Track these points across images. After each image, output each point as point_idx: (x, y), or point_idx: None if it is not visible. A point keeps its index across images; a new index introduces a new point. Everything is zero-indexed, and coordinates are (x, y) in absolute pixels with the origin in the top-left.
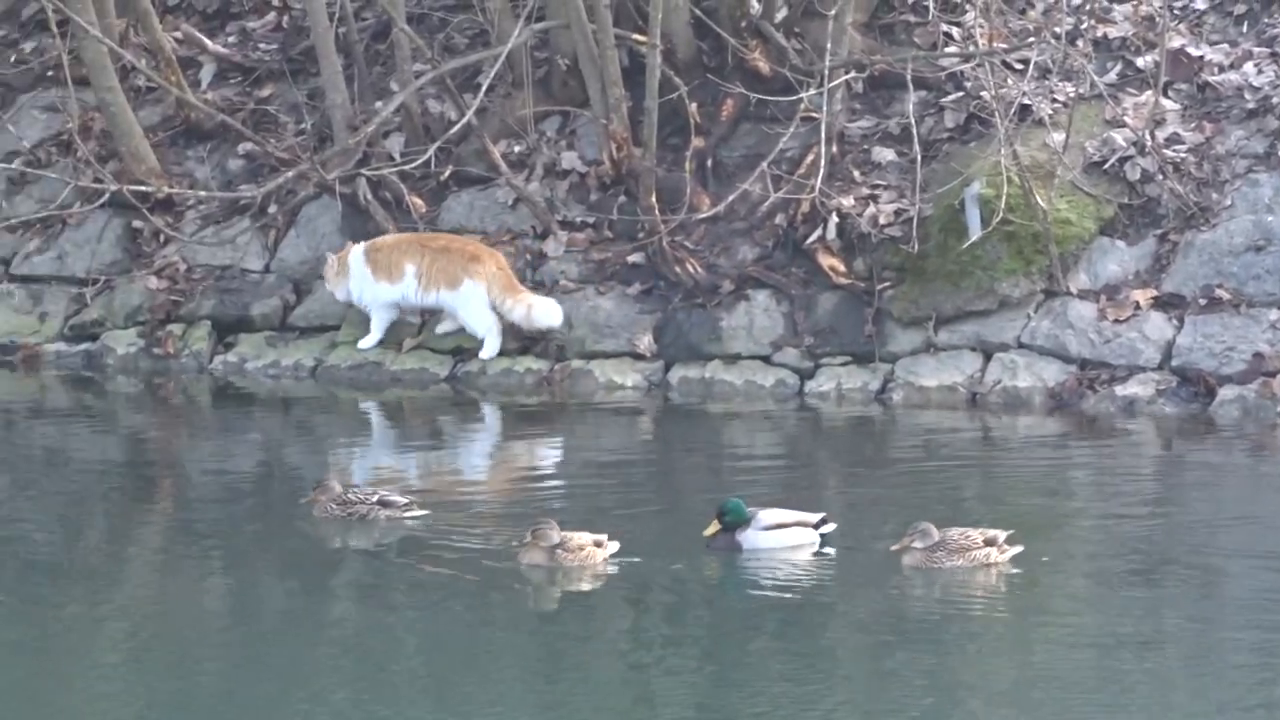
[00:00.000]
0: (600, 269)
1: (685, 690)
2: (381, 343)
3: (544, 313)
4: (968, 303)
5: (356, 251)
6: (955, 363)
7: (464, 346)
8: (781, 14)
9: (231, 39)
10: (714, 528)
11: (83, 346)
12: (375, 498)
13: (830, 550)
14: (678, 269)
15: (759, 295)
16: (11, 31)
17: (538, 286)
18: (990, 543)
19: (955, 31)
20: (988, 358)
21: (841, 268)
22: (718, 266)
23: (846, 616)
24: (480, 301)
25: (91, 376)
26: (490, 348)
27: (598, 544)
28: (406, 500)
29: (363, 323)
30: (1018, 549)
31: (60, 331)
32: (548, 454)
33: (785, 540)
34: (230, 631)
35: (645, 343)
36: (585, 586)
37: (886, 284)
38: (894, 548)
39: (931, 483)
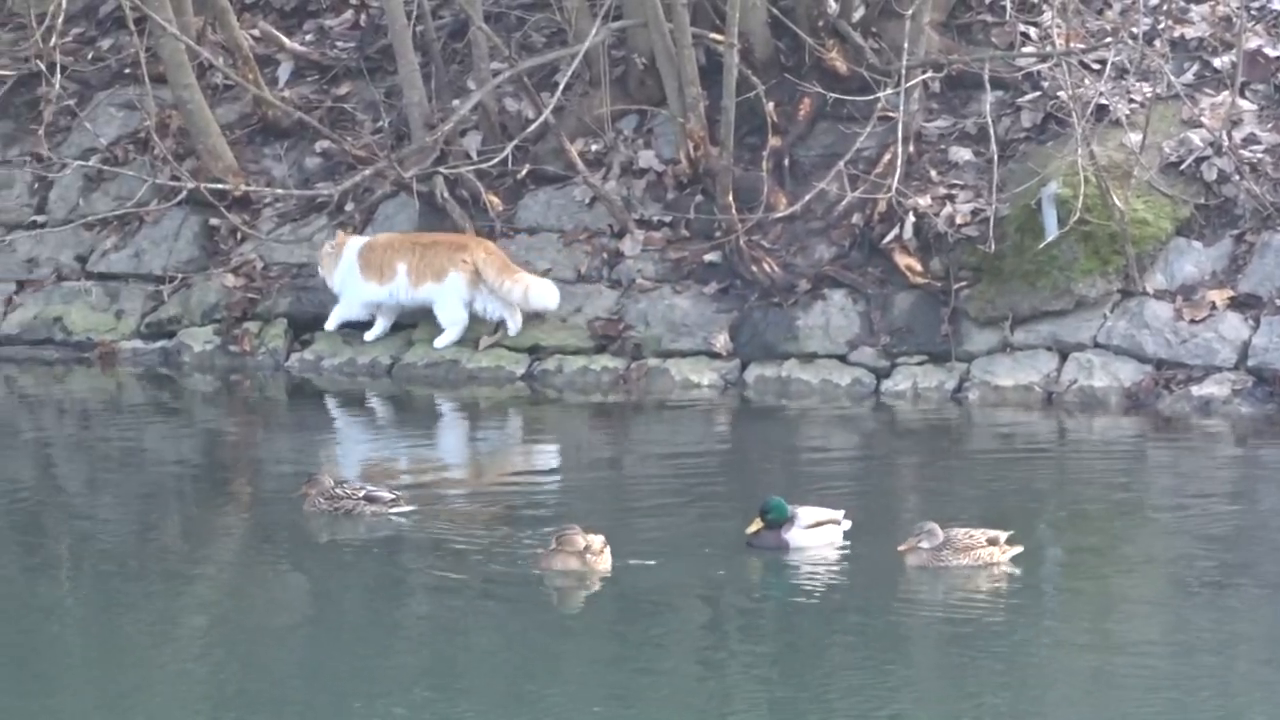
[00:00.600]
0: (677, 268)
1: (757, 688)
2: (341, 327)
3: (540, 293)
4: (1044, 302)
5: (352, 246)
6: (1031, 362)
7: (541, 344)
8: (859, 13)
9: (309, 37)
10: (756, 525)
11: (159, 344)
12: (362, 493)
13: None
14: (754, 268)
15: (835, 294)
16: (89, 29)
17: (614, 285)
18: (993, 542)
19: (1033, 31)
20: (1064, 357)
21: (918, 267)
22: (794, 265)
23: (913, 616)
24: (458, 294)
25: (167, 374)
26: (446, 339)
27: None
28: (393, 496)
29: (437, 322)
30: (1018, 549)
31: (137, 329)
32: (620, 452)
33: (827, 538)
34: (304, 629)
35: (721, 341)
36: (642, 585)
37: (963, 283)
38: (900, 548)
39: (1006, 482)
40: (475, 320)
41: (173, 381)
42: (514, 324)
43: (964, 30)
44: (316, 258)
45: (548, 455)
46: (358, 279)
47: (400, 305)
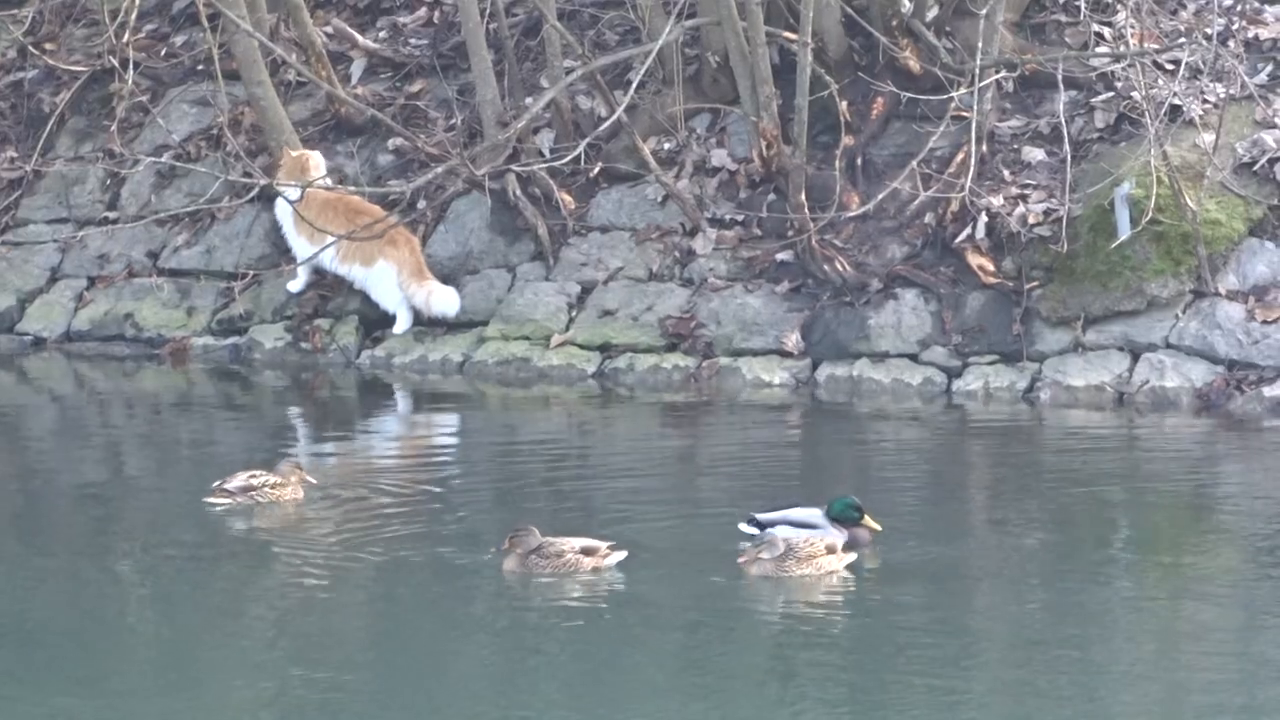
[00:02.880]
0: (749, 266)
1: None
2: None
3: (442, 300)
4: (1116, 303)
5: (317, 171)
6: (1103, 362)
7: (612, 343)
8: (933, 12)
9: (382, 34)
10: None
11: (230, 340)
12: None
13: None
14: (826, 267)
15: (907, 294)
16: (162, 25)
17: (686, 284)
18: (831, 550)
19: (1106, 31)
20: (1135, 358)
21: (990, 267)
22: (866, 265)
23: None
24: (390, 281)
25: (238, 370)
26: (402, 323)
27: (587, 551)
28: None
29: (507, 320)
30: (851, 557)
31: (208, 325)
32: (691, 451)
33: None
34: (369, 629)
35: (793, 340)
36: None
37: (1035, 283)
38: (740, 560)
39: (1079, 483)
40: (551, 319)
41: (243, 378)
42: (403, 323)
43: (1038, 30)
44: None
45: (610, 456)
46: (294, 235)
47: (330, 272)
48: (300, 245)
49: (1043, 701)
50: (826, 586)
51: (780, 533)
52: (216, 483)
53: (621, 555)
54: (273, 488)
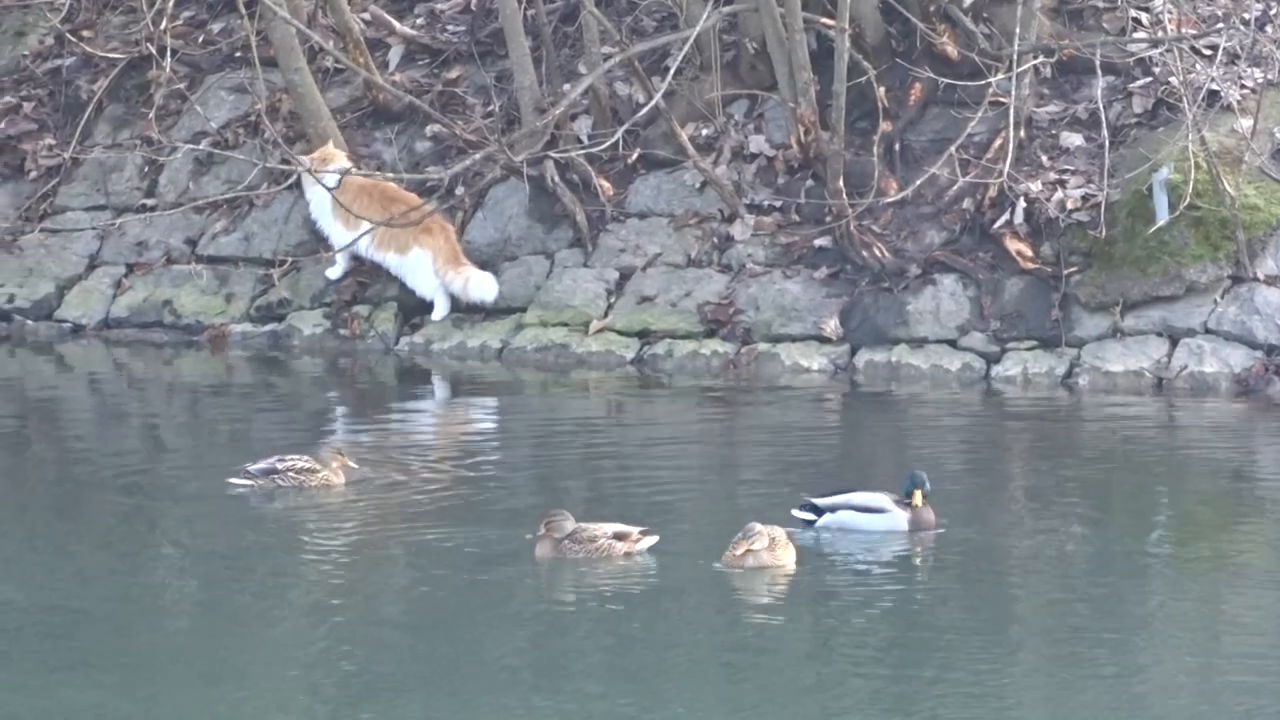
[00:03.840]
0: (787, 252)
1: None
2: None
3: (479, 285)
4: (1154, 288)
5: (338, 164)
6: (1142, 348)
7: (650, 329)
8: None
9: (420, 21)
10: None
11: (268, 327)
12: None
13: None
14: (865, 253)
15: (946, 279)
16: (200, 12)
17: (724, 270)
18: (620, 537)
19: (1144, 17)
20: (1174, 343)
21: (1029, 252)
22: (905, 250)
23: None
24: (426, 268)
25: (277, 357)
26: (440, 309)
27: (620, 536)
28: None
29: (546, 306)
30: (652, 539)
31: (246, 312)
32: (730, 436)
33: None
34: (405, 615)
35: (831, 326)
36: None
37: (1073, 269)
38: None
39: (1118, 469)
40: (590, 305)
41: (282, 364)
42: (441, 309)
43: (1075, 15)
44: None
45: (649, 445)
46: (330, 220)
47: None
48: (337, 232)
49: (1082, 686)
50: (865, 571)
51: (843, 518)
52: (244, 465)
53: (653, 540)
54: (298, 472)
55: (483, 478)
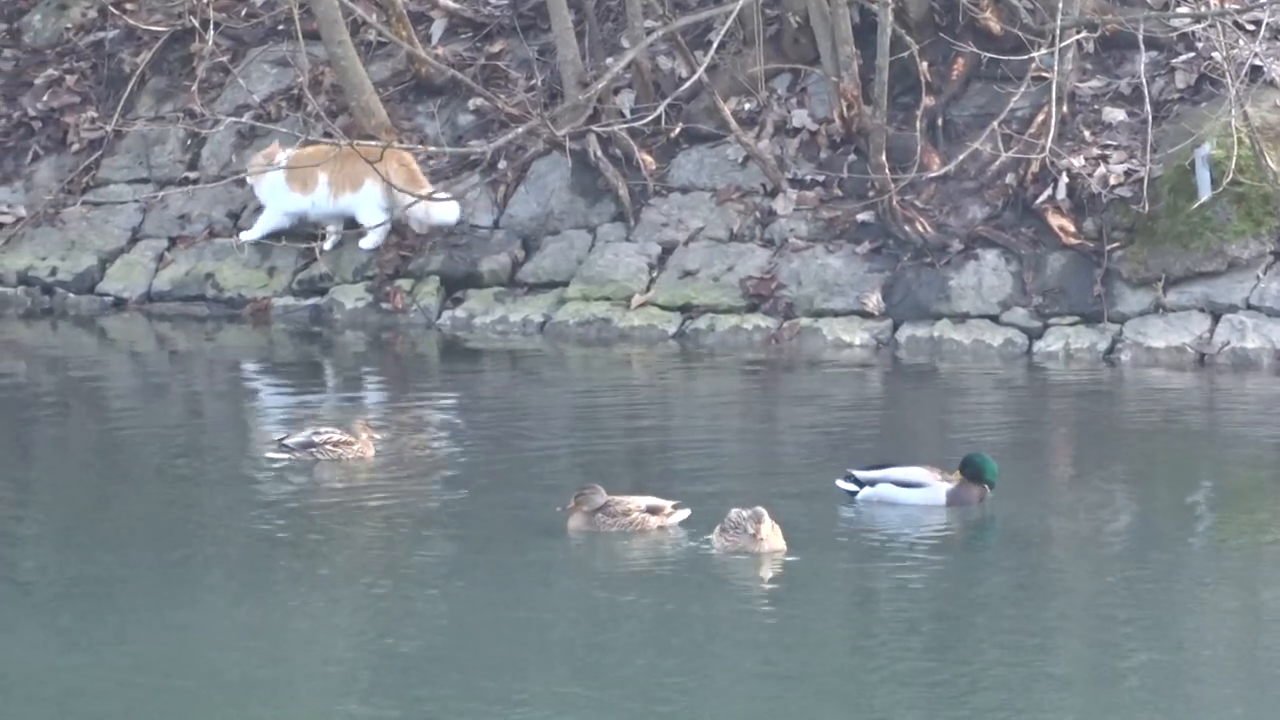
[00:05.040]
0: (830, 227)
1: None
2: (259, 240)
3: (441, 210)
4: (1197, 264)
5: (281, 158)
6: (1184, 324)
7: (693, 303)
8: None
9: None
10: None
11: (311, 301)
12: (644, 505)
13: None
14: (907, 228)
15: (988, 254)
16: None
17: (767, 244)
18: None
19: None
20: (1216, 319)
21: (1071, 228)
22: (947, 226)
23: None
24: (376, 199)
25: (319, 331)
26: (372, 239)
27: (653, 510)
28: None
29: (588, 280)
30: (685, 513)
31: (289, 286)
32: (771, 410)
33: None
34: (443, 589)
35: (874, 301)
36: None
37: (1116, 244)
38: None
39: (1161, 445)
40: (632, 279)
41: (324, 338)
42: (374, 238)
43: None
44: (248, 167)
45: (691, 419)
46: (286, 192)
47: (322, 215)
48: (292, 200)
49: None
50: (905, 547)
51: (883, 491)
52: (279, 437)
53: (686, 513)
54: (335, 445)
55: (523, 450)
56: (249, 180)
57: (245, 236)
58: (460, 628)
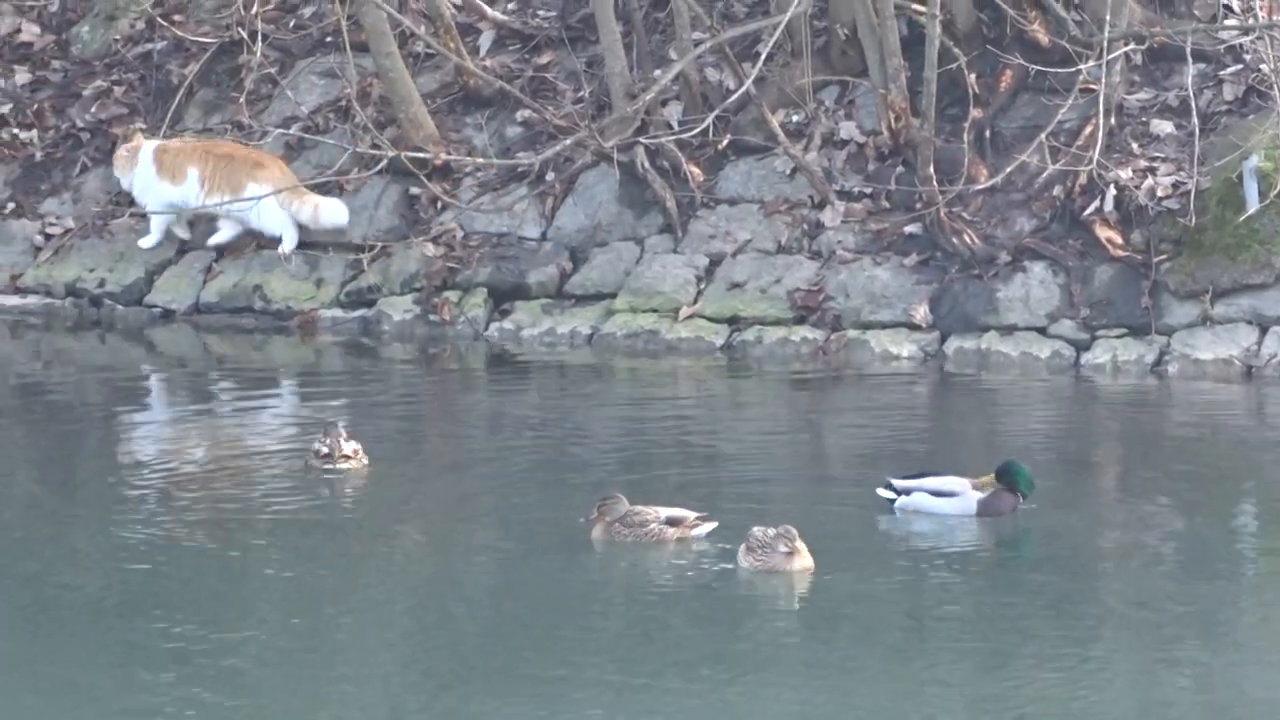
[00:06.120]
0: (877, 239)
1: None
2: (160, 244)
3: (330, 211)
4: (1244, 276)
5: (147, 148)
6: (1231, 336)
7: (740, 315)
8: None
9: (511, 6)
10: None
11: (359, 312)
12: (664, 516)
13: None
14: (955, 240)
15: (1036, 267)
16: None
17: (814, 256)
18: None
19: (1235, 4)
20: (1264, 331)
21: (1119, 240)
22: (995, 238)
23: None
24: (269, 204)
25: (367, 342)
26: (289, 242)
27: (673, 521)
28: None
29: (636, 292)
30: (710, 525)
31: (336, 298)
32: (819, 422)
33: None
34: (496, 616)
35: (921, 313)
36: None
37: (1163, 256)
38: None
39: (1208, 457)
40: (676, 292)
41: (372, 350)
42: (289, 242)
43: (1166, 3)
44: (114, 163)
45: (734, 431)
46: (156, 181)
47: (196, 210)
48: (164, 190)
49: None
50: (952, 556)
51: (918, 499)
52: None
53: (711, 526)
54: (343, 456)
55: (567, 462)
56: (116, 175)
57: (143, 243)
58: (501, 638)
